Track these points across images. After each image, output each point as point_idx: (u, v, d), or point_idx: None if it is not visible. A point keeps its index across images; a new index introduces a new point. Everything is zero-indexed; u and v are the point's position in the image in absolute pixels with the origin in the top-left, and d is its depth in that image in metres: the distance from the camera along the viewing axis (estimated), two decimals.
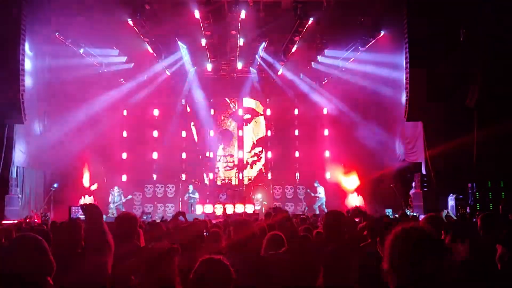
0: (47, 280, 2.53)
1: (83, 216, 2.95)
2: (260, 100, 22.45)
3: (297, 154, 21.90)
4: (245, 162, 22.41)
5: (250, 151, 22.49)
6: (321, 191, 19.22)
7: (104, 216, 3.92)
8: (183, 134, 22.19)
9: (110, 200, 18.27)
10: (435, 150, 13.85)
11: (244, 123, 22.66)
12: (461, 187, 13.35)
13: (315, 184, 19.36)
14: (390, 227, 2.18)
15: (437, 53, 13.31)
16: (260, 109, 22.65)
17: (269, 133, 22.49)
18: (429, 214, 4.23)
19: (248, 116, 22.70)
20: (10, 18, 13.41)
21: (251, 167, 22.38)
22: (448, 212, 12.60)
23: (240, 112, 22.54)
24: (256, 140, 22.60)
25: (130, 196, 19.07)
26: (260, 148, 22.55)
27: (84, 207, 2.93)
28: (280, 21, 15.63)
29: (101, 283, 2.62)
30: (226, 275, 2.54)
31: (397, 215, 12.13)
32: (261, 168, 22.45)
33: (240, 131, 22.47)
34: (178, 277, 2.86)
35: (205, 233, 5.48)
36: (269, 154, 22.36)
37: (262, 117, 22.65)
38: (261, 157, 22.52)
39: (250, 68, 20.60)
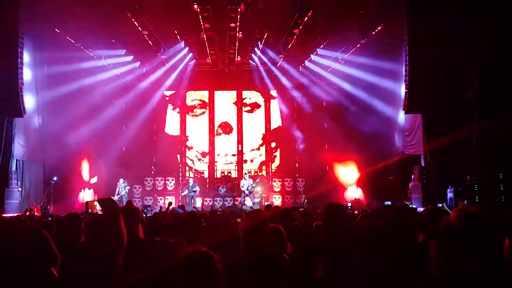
0: (52, 271, 2.56)
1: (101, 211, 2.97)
2: (260, 93, 22.41)
3: (296, 146, 21.90)
4: (247, 155, 22.45)
5: (258, 148, 22.49)
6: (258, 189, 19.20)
7: None
8: (182, 127, 22.20)
9: (116, 192, 18.33)
10: (434, 143, 13.87)
11: (245, 112, 22.62)
12: (460, 180, 13.39)
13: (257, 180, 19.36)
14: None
15: (437, 45, 13.29)
16: (260, 101, 22.63)
17: (268, 126, 22.47)
18: (428, 207, 4.24)
19: (248, 108, 22.67)
20: (9, 11, 13.36)
21: (251, 161, 22.40)
22: (443, 206, 12.66)
23: (239, 104, 22.53)
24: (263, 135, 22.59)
25: (128, 187, 19.12)
26: (268, 145, 22.56)
27: (101, 201, 2.94)
28: (279, 14, 15.59)
29: (110, 274, 2.65)
30: (210, 267, 2.54)
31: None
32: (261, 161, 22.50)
33: (239, 124, 22.45)
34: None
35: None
36: (269, 147, 22.37)
37: (262, 111, 22.61)
38: (261, 154, 22.53)
39: (250, 61, 20.56)
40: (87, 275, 2.80)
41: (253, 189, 18.90)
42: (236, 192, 20.00)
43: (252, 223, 3.54)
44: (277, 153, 22.40)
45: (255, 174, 21.81)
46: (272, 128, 22.49)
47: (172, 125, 22.28)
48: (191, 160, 22.31)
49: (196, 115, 22.56)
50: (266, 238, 3.50)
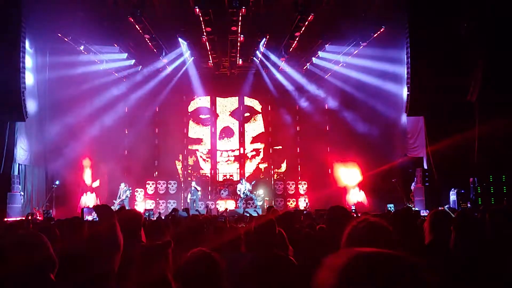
0: (49, 276, 2.54)
1: (96, 218, 2.96)
2: (261, 96, 22.41)
3: (298, 149, 21.88)
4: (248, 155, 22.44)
5: (259, 152, 22.50)
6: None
7: None
8: (184, 130, 22.23)
9: (118, 196, 18.34)
10: (436, 145, 13.85)
11: (245, 120, 22.63)
12: (462, 182, 13.35)
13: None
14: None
15: (439, 47, 13.29)
16: (258, 107, 22.60)
17: (270, 129, 22.46)
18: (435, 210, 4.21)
19: (247, 114, 22.67)
20: (11, 16, 13.41)
21: (250, 161, 22.38)
22: (445, 209, 12.61)
23: (241, 108, 22.53)
24: (254, 137, 22.53)
25: (130, 192, 19.10)
26: (258, 144, 22.52)
27: (97, 208, 2.94)
28: (280, 17, 15.61)
29: (107, 281, 2.64)
30: (213, 269, 2.54)
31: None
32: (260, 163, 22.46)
33: (241, 128, 22.44)
34: (171, 271, 2.86)
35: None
36: (271, 150, 22.34)
37: (255, 120, 22.62)
38: (260, 152, 22.49)
39: (251, 64, 20.57)
40: (83, 280, 2.79)
41: (250, 193, 18.87)
42: (237, 196, 19.99)
43: (260, 225, 3.55)
44: (277, 156, 22.35)
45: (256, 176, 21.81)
46: (273, 131, 22.46)
47: (174, 129, 22.29)
48: (202, 155, 22.34)
49: (199, 119, 22.57)
50: (274, 240, 3.50)
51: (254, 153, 22.47)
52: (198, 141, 22.42)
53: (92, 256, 2.82)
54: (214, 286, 2.52)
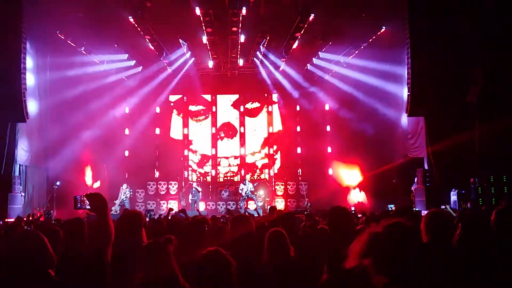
0: (49, 272, 2.58)
1: (88, 206, 2.95)
2: (261, 97, 22.41)
3: (299, 150, 21.88)
4: (250, 155, 22.44)
5: (259, 151, 22.46)
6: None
7: None
8: (185, 131, 22.24)
9: (118, 197, 18.34)
10: (437, 145, 13.85)
11: (248, 115, 22.62)
12: (463, 182, 13.35)
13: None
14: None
15: (439, 48, 13.29)
16: (262, 104, 22.62)
17: (270, 130, 22.47)
18: (432, 210, 4.21)
19: (254, 105, 22.68)
20: (11, 16, 13.44)
21: (261, 172, 22.32)
22: (446, 208, 12.61)
23: (242, 108, 22.53)
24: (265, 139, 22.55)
25: (130, 193, 19.10)
26: (270, 148, 22.50)
27: (89, 196, 2.95)
28: (281, 18, 15.61)
29: (99, 269, 2.64)
30: (227, 266, 2.58)
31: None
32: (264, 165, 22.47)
33: (242, 128, 22.44)
34: (178, 269, 2.89)
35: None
36: (271, 150, 22.35)
37: (264, 114, 22.60)
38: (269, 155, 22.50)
39: (252, 65, 20.57)
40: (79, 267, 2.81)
41: (251, 194, 18.90)
42: (239, 196, 20.01)
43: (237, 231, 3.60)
44: (278, 156, 22.35)
45: (258, 178, 21.80)
46: (274, 132, 22.47)
47: (175, 130, 22.31)
48: (192, 165, 22.34)
49: (199, 120, 22.59)
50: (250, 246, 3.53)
51: (265, 157, 22.39)
52: (198, 143, 22.40)
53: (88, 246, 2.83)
54: (227, 284, 2.58)
